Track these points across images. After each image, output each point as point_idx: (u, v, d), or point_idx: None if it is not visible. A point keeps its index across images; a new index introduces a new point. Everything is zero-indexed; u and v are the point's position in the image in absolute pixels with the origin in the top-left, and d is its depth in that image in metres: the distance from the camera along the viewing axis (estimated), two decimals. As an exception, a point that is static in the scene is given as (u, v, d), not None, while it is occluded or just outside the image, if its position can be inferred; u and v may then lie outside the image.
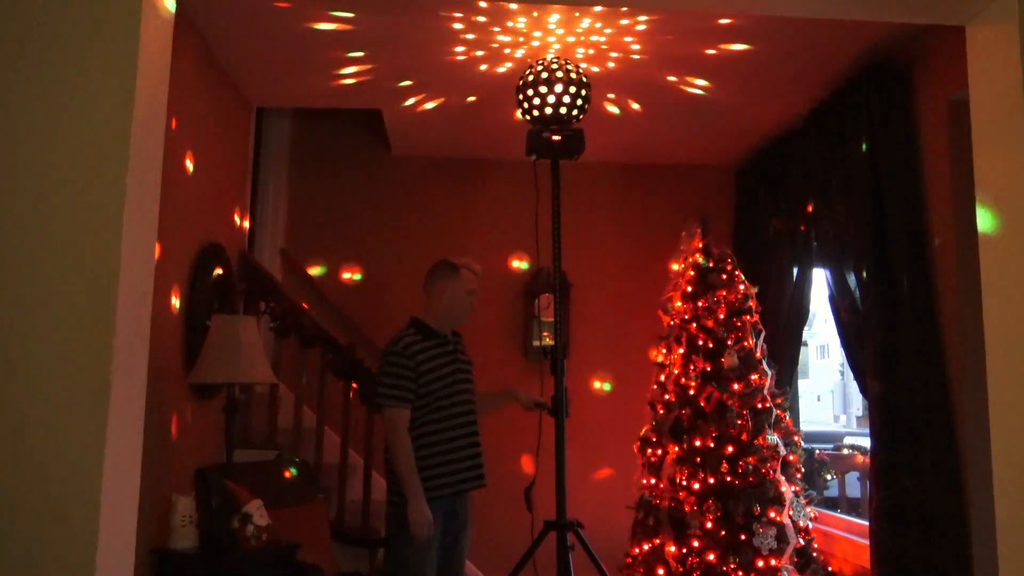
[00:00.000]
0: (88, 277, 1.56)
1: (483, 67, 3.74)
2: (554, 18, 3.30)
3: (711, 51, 3.52)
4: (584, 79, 3.31)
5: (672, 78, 3.83)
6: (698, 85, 3.90)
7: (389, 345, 3.18)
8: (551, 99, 3.24)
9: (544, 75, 3.27)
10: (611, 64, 3.69)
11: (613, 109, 4.22)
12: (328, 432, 4.31)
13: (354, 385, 4.24)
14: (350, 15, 3.28)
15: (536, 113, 3.29)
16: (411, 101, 4.17)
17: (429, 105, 4.21)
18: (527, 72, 3.32)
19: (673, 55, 3.57)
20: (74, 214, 1.57)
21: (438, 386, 3.14)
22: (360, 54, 3.64)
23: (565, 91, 3.25)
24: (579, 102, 3.28)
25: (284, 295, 4.29)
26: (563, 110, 3.26)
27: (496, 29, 3.39)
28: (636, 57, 3.61)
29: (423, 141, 4.83)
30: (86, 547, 1.50)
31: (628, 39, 3.44)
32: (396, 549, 3.09)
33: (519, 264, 5.01)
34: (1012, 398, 2.10)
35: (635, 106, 4.18)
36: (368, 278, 4.95)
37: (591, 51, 3.57)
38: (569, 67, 3.29)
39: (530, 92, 3.27)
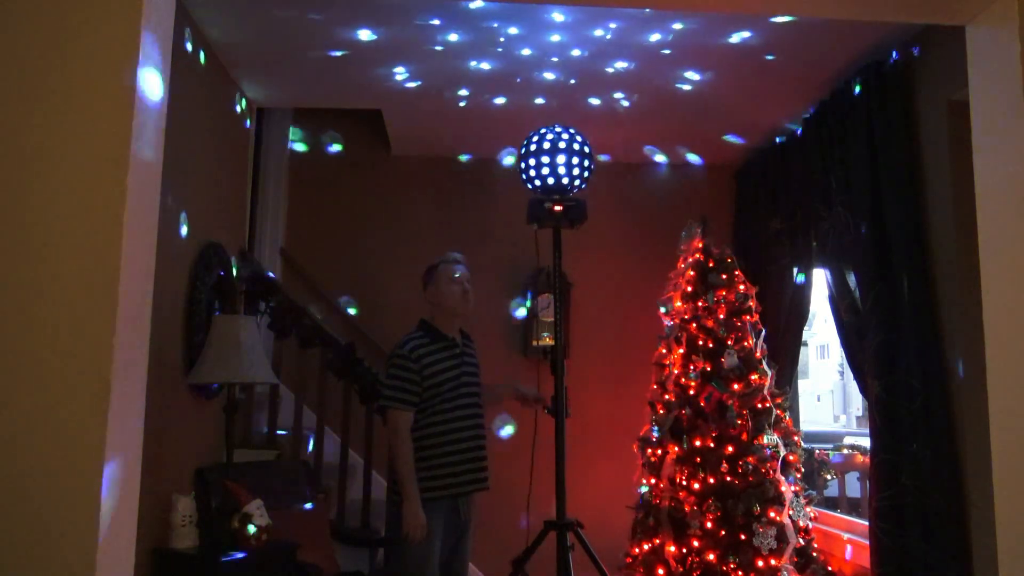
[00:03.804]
0: (88, 277, 1.56)
1: (485, 66, 3.75)
2: (556, 18, 3.30)
3: (712, 51, 3.52)
4: (587, 149, 3.34)
5: (672, 77, 3.83)
6: (699, 85, 3.90)
7: (395, 348, 3.22)
8: (552, 169, 3.28)
9: (546, 144, 3.29)
10: (612, 63, 3.70)
11: (614, 109, 4.23)
12: (328, 432, 4.31)
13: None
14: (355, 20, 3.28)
15: (539, 183, 3.33)
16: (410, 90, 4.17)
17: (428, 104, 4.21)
18: (529, 141, 3.36)
19: (675, 55, 3.57)
20: (74, 214, 1.57)
21: (443, 388, 3.18)
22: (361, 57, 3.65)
23: (567, 160, 3.28)
24: (578, 171, 3.30)
25: (284, 295, 4.29)
26: (565, 180, 3.29)
27: (496, 25, 3.39)
28: (638, 57, 3.61)
29: (423, 141, 4.83)
30: (86, 547, 1.50)
31: (630, 40, 3.45)
32: (400, 548, 3.11)
33: (520, 264, 5.01)
34: (1012, 398, 2.10)
35: (636, 106, 4.18)
36: (368, 278, 4.95)
37: (594, 49, 3.57)
38: (564, 136, 3.31)
39: (532, 161, 3.31)
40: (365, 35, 3.46)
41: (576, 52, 3.58)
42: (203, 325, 3.37)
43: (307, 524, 3.54)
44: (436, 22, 3.31)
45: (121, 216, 1.58)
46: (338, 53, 3.63)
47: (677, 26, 3.31)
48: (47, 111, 1.60)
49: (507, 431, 4.67)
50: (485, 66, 3.74)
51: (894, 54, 3.44)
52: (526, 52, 3.59)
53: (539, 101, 4.16)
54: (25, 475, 1.51)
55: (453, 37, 3.46)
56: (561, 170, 3.27)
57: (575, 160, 3.28)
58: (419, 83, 3.95)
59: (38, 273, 1.56)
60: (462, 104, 4.21)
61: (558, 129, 3.34)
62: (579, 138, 3.34)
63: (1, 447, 1.51)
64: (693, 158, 5.05)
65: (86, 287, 1.56)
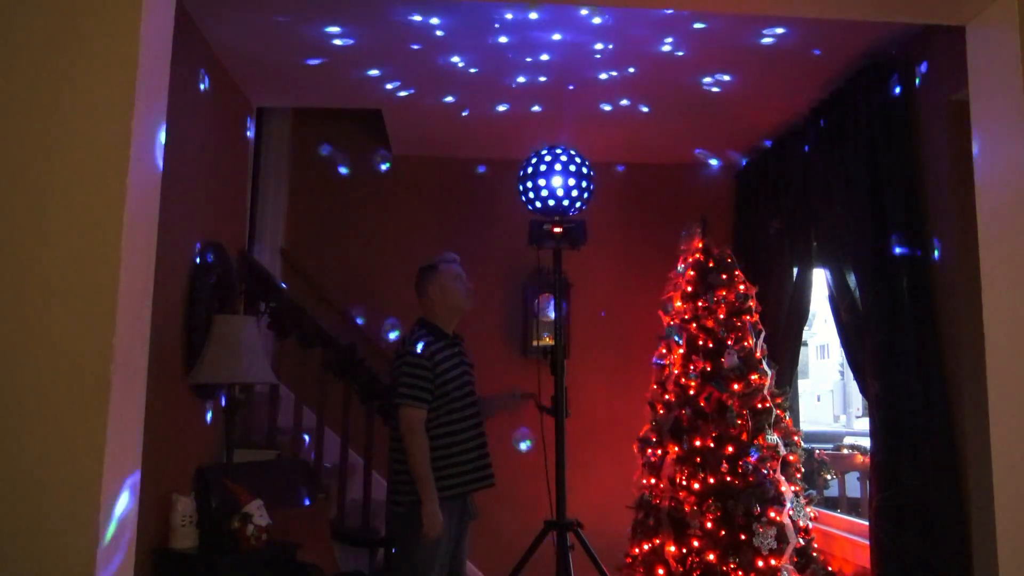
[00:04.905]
0: (88, 277, 1.56)
1: (476, 70, 3.75)
2: (556, 19, 3.30)
3: (712, 53, 3.52)
4: (586, 170, 3.34)
5: (672, 79, 3.83)
6: (698, 86, 3.90)
7: (405, 345, 3.22)
8: (552, 190, 3.29)
9: (543, 167, 3.30)
10: (613, 67, 3.70)
11: (615, 110, 4.23)
12: (328, 432, 4.31)
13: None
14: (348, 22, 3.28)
15: (539, 204, 3.34)
16: (408, 97, 4.18)
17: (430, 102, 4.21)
18: (529, 162, 3.36)
19: (674, 56, 3.57)
20: (74, 214, 1.57)
21: (452, 387, 3.19)
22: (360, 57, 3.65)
23: (567, 182, 3.30)
24: (576, 193, 3.32)
25: (284, 295, 4.29)
26: (565, 202, 3.30)
27: (494, 29, 3.39)
28: (638, 60, 3.61)
29: (423, 141, 4.83)
30: (86, 547, 1.50)
31: (632, 43, 3.45)
32: (406, 548, 3.11)
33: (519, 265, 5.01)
34: (1012, 398, 2.10)
35: (635, 106, 4.18)
36: (368, 278, 4.95)
37: (597, 52, 3.57)
38: (561, 158, 3.32)
39: (531, 184, 3.32)
40: (365, 38, 3.46)
41: (577, 54, 3.58)
42: (203, 325, 3.37)
43: (307, 524, 3.54)
44: (435, 20, 3.31)
45: (121, 216, 1.58)
46: (337, 53, 3.63)
47: (677, 28, 3.31)
48: (47, 111, 1.60)
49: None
50: (484, 68, 3.73)
51: (894, 54, 3.44)
52: (527, 55, 3.58)
53: (539, 103, 4.16)
54: (25, 475, 1.51)
55: (454, 47, 3.46)
56: (560, 192, 3.29)
57: (575, 182, 3.30)
58: (419, 85, 3.95)
59: (38, 273, 1.56)
60: (462, 106, 4.21)
61: (558, 151, 3.34)
62: (578, 159, 3.35)
63: (1, 447, 1.51)
64: (693, 158, 5.05)
65: (86, 287, 1.56)
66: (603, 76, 3.81)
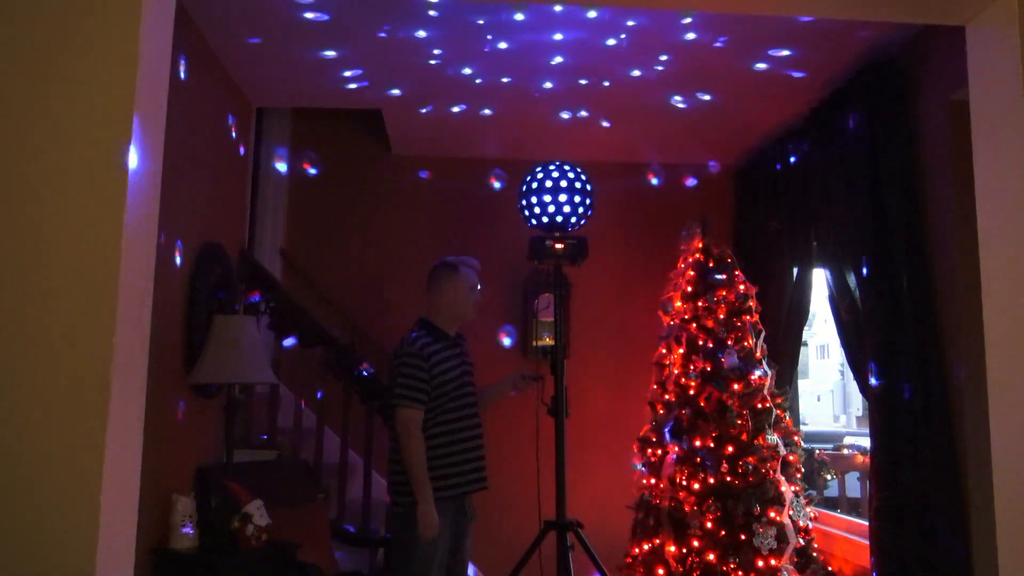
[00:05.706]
0: (88, 277, 1.56)
1: (476, 74, 3.75)
2: (548, 19, 3.30)
3: (712, 52, 3.52)
4: (580, 184, 3.35)
5: (673, 77, 3.82)
6: (699, 85, 3.90)
7: (403, 345, 3.20)
8: (553, 207, 3.30)
9: (546, 183, 3.31)
10: (614, 65, 3.69)
11: (615, 110, 4.23)
12: (328, 432, 4.30)
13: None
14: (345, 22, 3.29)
15: (535, 222, 3.34)
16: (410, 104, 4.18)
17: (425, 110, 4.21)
18: (526, 179, 3.36)
19: (676, 56, 3.57)
20: (74, 214, 1.57)
21: (450, 387, 3.17)
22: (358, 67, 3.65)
23: (568, 198, 3.32)
24: (569, 209, 3.33)
25: (284, 295, 4.29)
26: (559, 219, 3.31)
27: (490, 35, 3.39)
28: (638, 58, 3.61)
29: (423, 141, 4.83)
30: (86, 547, 1.50)
31: (632, 41, 3.44)
32: (405, 548, 3.10)
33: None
34: (1012, 398, 2.10)
35: (636, 106, 4.18)
36: (368, 277, 4.95)
37: (595, 52, 3.57)
38: (554, 174, 3.33)
39: (532, 199, 3.32)
40: (362, 51, 3.46)
41: (576, 53, 3.58)
42: (203, 325, 3.37)
43: (307, 524, 3.54)
44: (422, 33, 3.31)
45: (121, 216, 1.58)
46: (336, 62, 3.63)
47: (683, 22, 3.31)
48: (47, 111, 1.60)
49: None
50: (483, 68, 3.73)
51: (894, 54, 3.44)
52: (527, 55, 3.58)
53: (538, 104, 4.16)
54: (25, 475, 1.51)
55: (449, 52, 3.46)
56: (553, 208, 3.31)
57: (576, 199, 3.30)
58: (419, 90, 3.95)
59: (38, 273, 1.56)
60: (460, 107, 4.21)
61: (551, 166, 3.36)
62: (571, 174, 3.35)
63: (1, 447, 1.51)
64: (693, 158, 5.04)
65: (86, 287, 1.56)
66: (602, 78, 3.81)
